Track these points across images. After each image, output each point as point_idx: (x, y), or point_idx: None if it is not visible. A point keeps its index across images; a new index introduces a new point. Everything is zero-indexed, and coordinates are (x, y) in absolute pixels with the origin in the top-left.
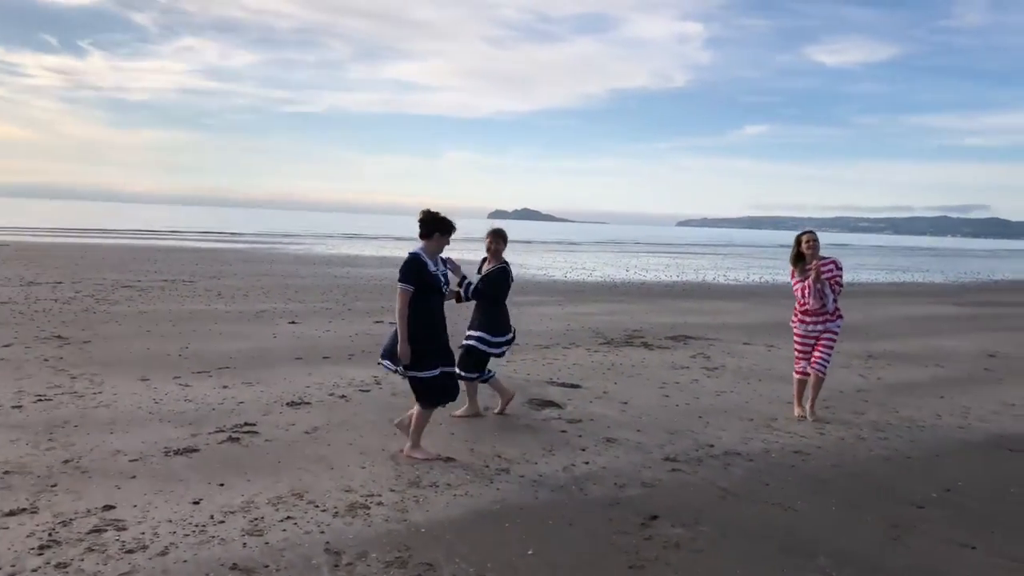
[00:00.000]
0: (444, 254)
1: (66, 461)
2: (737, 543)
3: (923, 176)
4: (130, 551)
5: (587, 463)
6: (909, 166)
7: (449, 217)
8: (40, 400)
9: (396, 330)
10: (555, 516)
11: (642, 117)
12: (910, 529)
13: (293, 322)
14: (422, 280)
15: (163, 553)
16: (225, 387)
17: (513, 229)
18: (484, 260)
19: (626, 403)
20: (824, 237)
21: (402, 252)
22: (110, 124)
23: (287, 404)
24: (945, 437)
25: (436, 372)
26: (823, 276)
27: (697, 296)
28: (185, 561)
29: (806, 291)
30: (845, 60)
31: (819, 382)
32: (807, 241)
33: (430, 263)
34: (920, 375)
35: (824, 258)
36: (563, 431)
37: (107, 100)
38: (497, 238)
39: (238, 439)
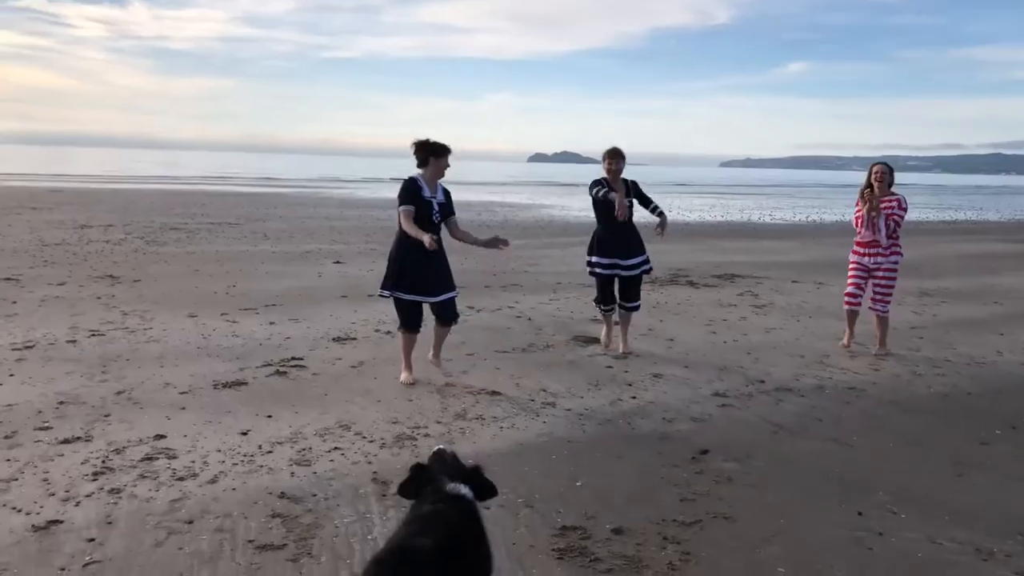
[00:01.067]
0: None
1: (119, 392)
2: (791, 478)
3: (973, 112)
4: (180, 479)
5: (634, 398)
6: (957, 102)
7: (438, 141)
8: (93, 335)
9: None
10: (603, 449)
11: (682, 56)
12: (975, 466)
13: (338, 262)
14: (417, 203)
15: (212, 481)
16: (272, 323)
17: (554, 172)
18: (604, 183)
19: (672, 340)
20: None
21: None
22: (154, 72)
23: (333, 339)
24: (1007, 373)
25: (387, 295)
26: (881, 210)
27: (743, 236)
28: (234, 489)
29: (861, 220)
30: None
31: (882, 322)
32: (877, 172)
33: (426, 188)
34: (978, 312)
35: (892, 194)
36: (608, 367)
37: (150, 49)
38: (617, 159)
39: (285, 372)
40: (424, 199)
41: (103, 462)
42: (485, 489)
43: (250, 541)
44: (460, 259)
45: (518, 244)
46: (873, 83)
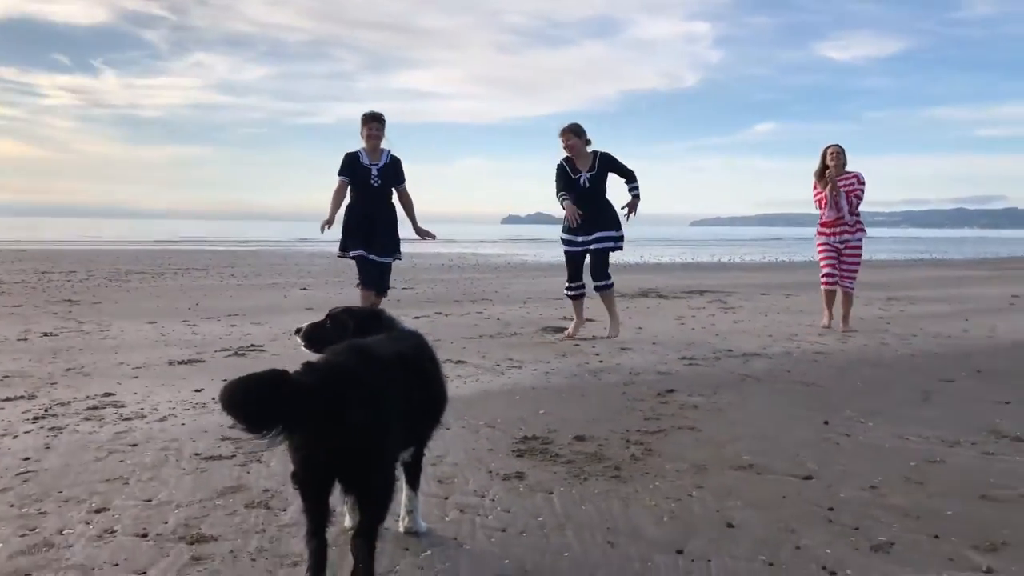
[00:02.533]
0: None
1: (68, 369)
2: (760, 405)
3: (937, 169)
4: (127, 419)
5: (601, 361)
6: (922, 159)
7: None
8: (46, 336)
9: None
10: (568, 391)
11: (653, 118)
12: (940, 393)
13: (304, 289)
14: (354, 172)
15: (162, 419)
16: (233, 326)
17: (530, 232)
18: (565, 164)
19: (641, 328)
20: None
21: (412, 249)
22: (124, 141)
23: (295, 332)
24: (973, 343)
25: (347, 256)
26: (839, 187)
27: (713, 269)
28: (183, 424)
29: (823, 201)
30: (853, 55)
31: (848, 299)
32: (832, 153)
33: (364, 157)
34: (944, 309)
35: (848, 172)
36: (576, 345)
37: (121, 117)
38: (569, 134)
39: (244, 354)
40: (362, 166)
41: (45, 411)
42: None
43: (197, 454)
44: (430, 286)
45: (488, 276)
46: (841, 142)
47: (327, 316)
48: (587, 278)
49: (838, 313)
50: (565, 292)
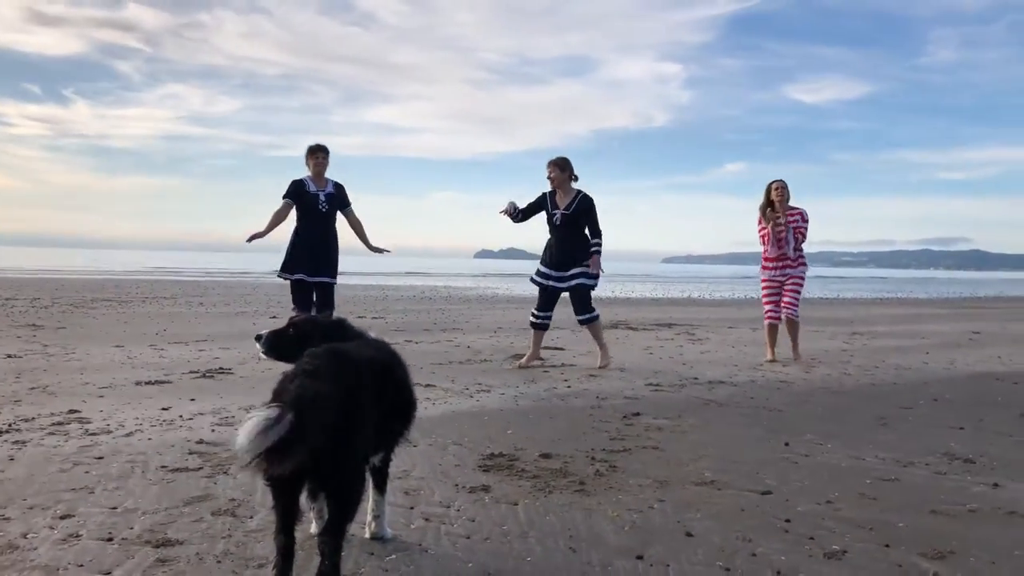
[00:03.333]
0: None
1: (32, 388)
2: (722, 428)
3: (903, 210)
4: (93, 434)
5: (569, 387)
6: (888, 201)
7: (314, 143)
8: (9, 357)
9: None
10: (536, 413)
11: (624, 157)
12: (897, 419)
13: (274, 317)
14: (300, 198)
15: (128, 435)
16: (202, 350)
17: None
18: (546, 197)
19: (611, 357)
20: (809, 272)
21: (384, 281)
22: (95, 171)
23: (255, 339)
24: (932, 373)
25: (291, 278)
26: (785, 224)
27: (683, 304)
28: (150, 439)
29: (767, 237)
30: (822, 98)
31: (793, 326)
32: (776, 188)
33: (310, 184)
34: (905, 343)
35: (793, 208)
36: (545, 371)
37: (92, 147)
38: (553, 166)
39: (212, 376)
40: (309, 193)
41: (9, 426)
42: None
43: (163, 467)
44: (401, 316)
45: (459, 307)
46: (809, 183)
47: (289, 324)
48: (564, 314)
49: (787, 345)
50: (530, 320)
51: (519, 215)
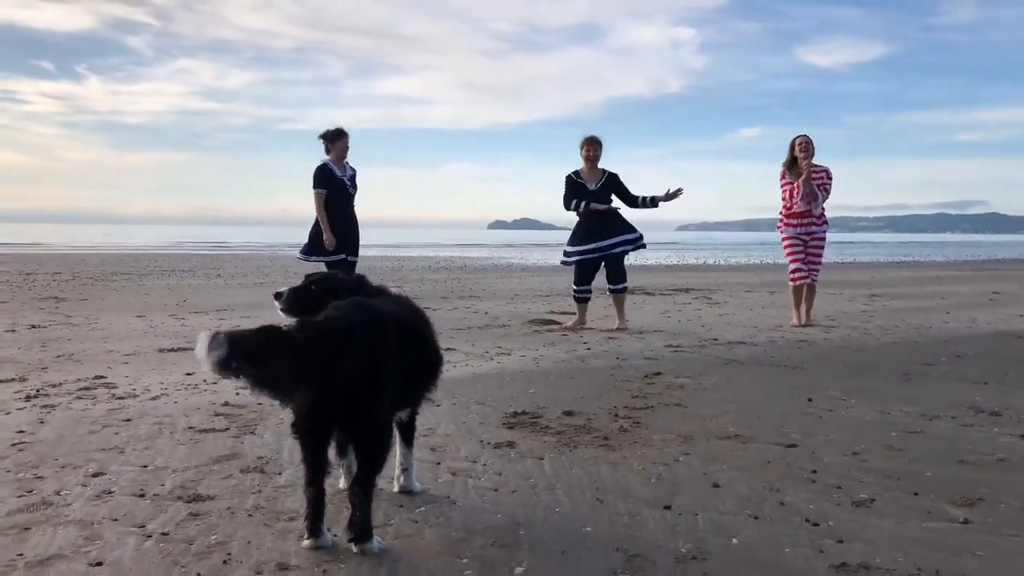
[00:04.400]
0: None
1: (58, 356)
2: (744, 385)
3: (919, 173)
4: (120, 398)
5: (588, 349)
6: (904, 164)
7: (335, 128)
8: (34, 328)
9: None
10: (557, 374)
11: (638, 124)
12: (920, 375)
13: None
14: (331, 183)
15: (154, 398)
16: (222, 319)
17: (516, 237)
18: (576, 176)
19: (628, 320)
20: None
21: (400, 253)
22: (109, 147)
23: (275, 296)
24: (953, 332)
25: (332, 259)
26: (814, 180)
27: (699, 270)
28: (176, 402)
29: (795, 192)
30: (835, 61)
31: (812, 291)
32: (800, 144)
33: (336, 170)
34: (926, 304)
35: (817, 166)
36: (564, 335)
37: (105, 123)
38: (596, 145)
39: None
40: (336, 179)
41: (37, 392)
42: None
43: (191, 427)
44: (418, 285)
45: (475, 276)
46: (824, 146)
47: (309, 280)
48: (601, 282)
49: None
50: (574, 294)
51: (579, 202)
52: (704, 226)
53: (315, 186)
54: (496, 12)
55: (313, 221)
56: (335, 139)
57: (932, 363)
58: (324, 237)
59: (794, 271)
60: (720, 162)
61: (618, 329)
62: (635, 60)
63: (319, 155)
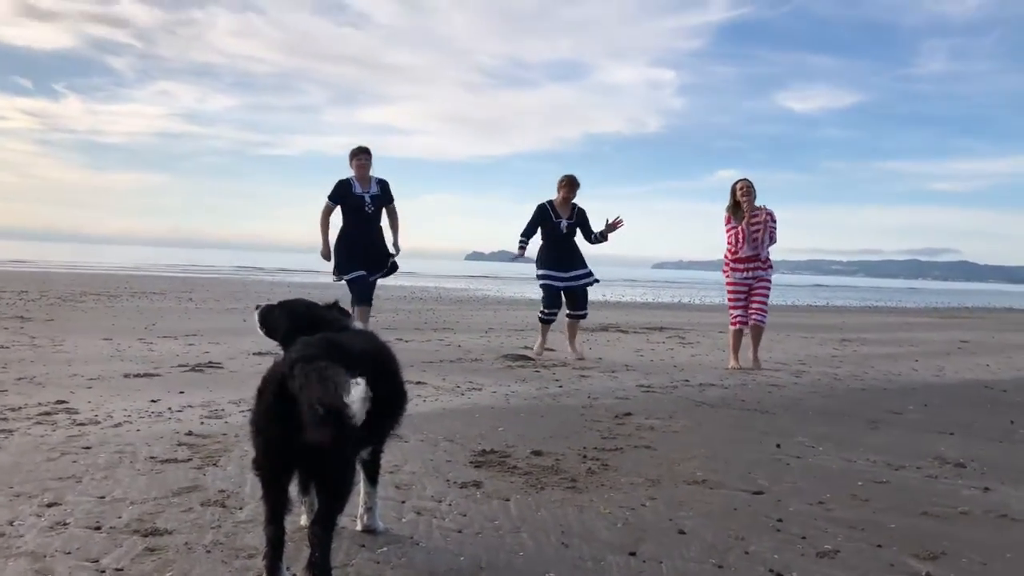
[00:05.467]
0: None
1: (19, 378)
2: (714, 429)
3: (892, 220)
4: (81, 424)
5: (560, 387)
6: (878, 210)
7: (356, 146)
8: None
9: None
10: (527, 412)
11: (617, 162)
12: (888, 423)
13: None
14: (345, 199)
15: (116, 425)
16: (191, 344)
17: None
18: (549, 207)
19: (601, 358)
20: (798, 279)
21: (378, 281)
22: (85, 167)
23: (254, 353)
24: (922, 380)
25: (349, 277)
26: (761, 223)
27: (673, 309)
28: (139, 430)
29: (740, 236)
30: (812, 107)
31: (759, 332)
32: (741, 188)
33: (356, 186)
34: (895, 350)
35: (759, 208)
36: (537, 371)
37: (83, 143)
38: (575, 186)
39: (201, 370)
40: (354, 195)
41: None
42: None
43: (152, 457)
44: (391, 315)
45: (450, 308)
46: (799, 191)
47: (279, 303)
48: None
49: (749, 352)
50: (540, 316)
51: (524, 239)
52: (680, 264)
53: (328, 196)
54: (480, 46)
55: (335, 243)
56: (351, 156)
57: (899, 411)
58: (320, 249)
59: (735, 317)
60: (697, 202)
61: (578, 359)
62: (615, 99)
63: (299, 183)
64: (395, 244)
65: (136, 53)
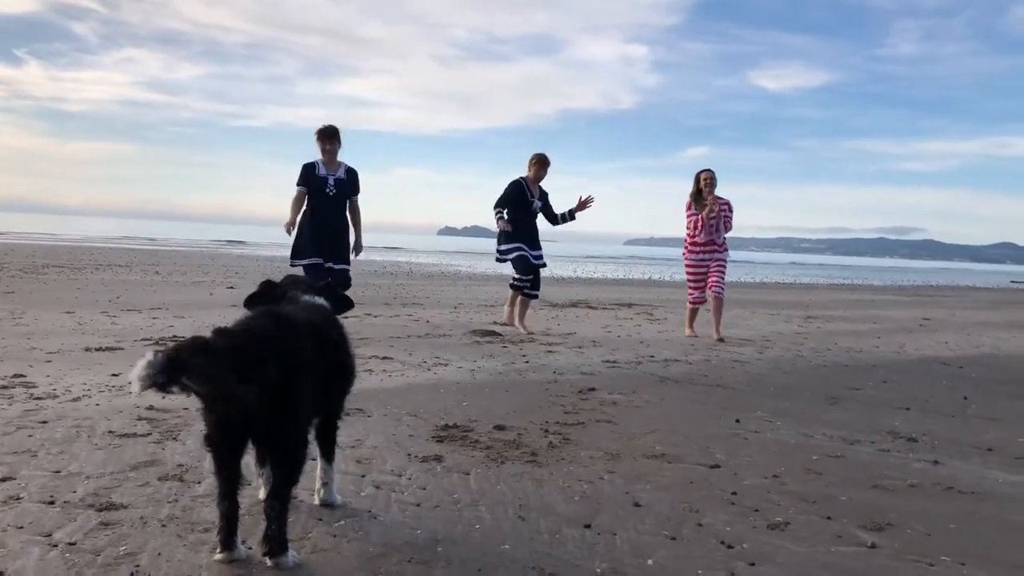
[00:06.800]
0: None
1: None
2: (676, 404)
3: (861, 199)
4: (38, 398)
5: (527, 362)
6: (847, 189)
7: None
8: None
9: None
10: (492, 387)
11: (590, 137)
12: (847, 399)
13: (231, 288)
14: (309, 181)
15: (75, 399)
16: (155, 318)
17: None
18: (523, 184)
19: (570, 334)
20: (767, 256)
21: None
22: (48, 134)
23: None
24: (883, 357)
25: (303, 263)
26: (719, 212)
27: (643, 286)
28: (98, 404)
29: (699, 223)
30: (784, 85)
31: (719, 304)
32: (705, 179)
33: (321, 168)
34: (859, 327)
35: (719, 198)
36: (504, 347)
37: (45, 110)
38: (547, 165)
39: (165, 344)
40: (317, 176)
41: None
42: (339, 301)
43: (110, 432)
44: (361, 290)
45: (420, 283)
46: (769, 169)
47: (264, 282)
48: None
49: (707, 326)
50: (514, 283)
51: (504, 215)
52: (651, 241)
53: (297, 183)
54: (453, 19)
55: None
56: (319, 138)
57: (859, 387)
58: (284, 224)
59: (692, 297)
60: (669, 179)
61: (528, 333)
62: (589, 74)
63: (269, 154)
64: (356, 244)
65: (100, 19)
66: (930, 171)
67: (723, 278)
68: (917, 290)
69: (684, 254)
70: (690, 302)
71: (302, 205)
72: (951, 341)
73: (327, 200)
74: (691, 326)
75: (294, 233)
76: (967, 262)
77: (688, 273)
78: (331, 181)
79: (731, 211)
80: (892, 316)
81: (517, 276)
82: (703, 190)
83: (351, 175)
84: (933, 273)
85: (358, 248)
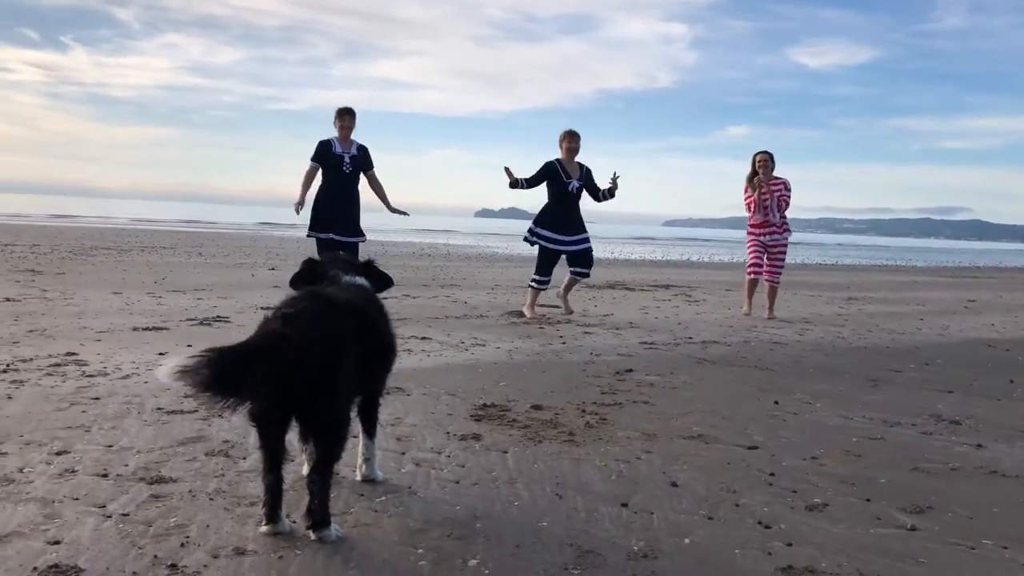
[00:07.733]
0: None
1: (30, 331)
2: (714, 385)
3: (903, 178)
4: (90, 375)
5: (564, 343)
6: (890, 168)
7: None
8: (8, 301)
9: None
10: (529, 367)
11: (628, 117)
12: (887, 382)
13: (273, 269)
14: (325, 158)
15: (125, 377)
16: (200, 299)
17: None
18: (557, 165)
19: (607, 315)
20: (808, 237)
21: (384, 237)
22: (93, 119)
23: (261, 308)
24: (925, 338)
25: (320, 236)
26: (770, 192)
27: (681, 266)
28: (146, 382)
29: (752, 205)
30: (825, 63)
31: (773, 291)
32: (760, 160)
33: (336, 145)
34: (901, 309)
35: (776, 178)
36: (542, 328)
37: (90, 95)
38: (578, 139)
39: (209, 324)
40: (334, 154)
41: (7, 366)
42: (381, 280)
43: (159, 408)
44: (399, 271)
45: (458, 264)
46: (811, 148)
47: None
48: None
49: (761, 303)
50: (531, 284)
51: (524, 183)
52: (690, 222)
53: (311, 158)
54: None
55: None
56: (337, 116)
57: (900, 370)
58: (295, 203)
59: (750, 265)
60: (708, 159)
61: (567, 313)
62: (626, 53)
63: (306, 136)
64: (393, 209)
65: (142, 4)
66: (976, 149)
67: (780, 267)
68: (962, 271)
69: (747, 234)
70: (748, 272)
71: (312, 181)
72: (997, 323)
73: (343, 176)
74: (749, 301)
75: (310, 207)
76: (1016, 242)
77: (749, 246)
78: (347, 159)
79: (788, 190)
80: (936, 298)
81: (536, 276)
82: (758, 172)
83: (363, 151)
84: (979, 254)
85: (397, 210)
